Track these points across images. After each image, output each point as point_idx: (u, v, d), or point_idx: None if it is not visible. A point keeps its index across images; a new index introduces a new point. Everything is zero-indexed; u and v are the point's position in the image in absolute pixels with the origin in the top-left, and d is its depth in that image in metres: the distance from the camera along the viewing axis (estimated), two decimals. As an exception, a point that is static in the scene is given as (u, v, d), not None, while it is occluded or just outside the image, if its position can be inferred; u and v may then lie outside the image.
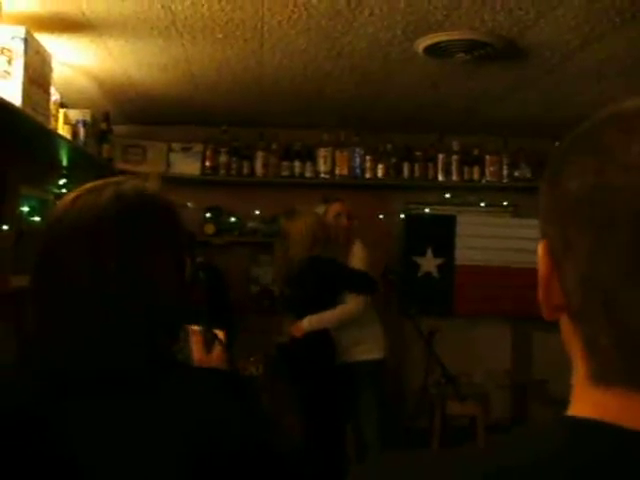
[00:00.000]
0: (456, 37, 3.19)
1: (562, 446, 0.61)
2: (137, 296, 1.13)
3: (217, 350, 1.42)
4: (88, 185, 1.20)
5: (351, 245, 4.31)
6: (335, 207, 4.32)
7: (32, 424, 1.07)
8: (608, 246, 0.61)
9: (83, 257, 1.11)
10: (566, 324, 0.68)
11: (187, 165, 5.15)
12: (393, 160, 5.28)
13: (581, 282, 0.64)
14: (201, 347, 1.40)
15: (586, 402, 0.65)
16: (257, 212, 5.35)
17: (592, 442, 0.60)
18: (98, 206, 1.14)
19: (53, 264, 1.14)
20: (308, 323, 4.05)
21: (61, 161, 4.11)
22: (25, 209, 4.02)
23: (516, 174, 5.37)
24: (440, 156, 5.31)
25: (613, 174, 0.61)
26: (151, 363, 1.12)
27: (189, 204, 4.92)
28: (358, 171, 5.25)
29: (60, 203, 1.19)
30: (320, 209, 4.33)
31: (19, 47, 2.94)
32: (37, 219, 4.16)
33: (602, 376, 0.63)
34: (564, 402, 0.69)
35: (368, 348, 4.25)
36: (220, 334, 1.45)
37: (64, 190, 4.40)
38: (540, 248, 0.70)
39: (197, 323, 1.41)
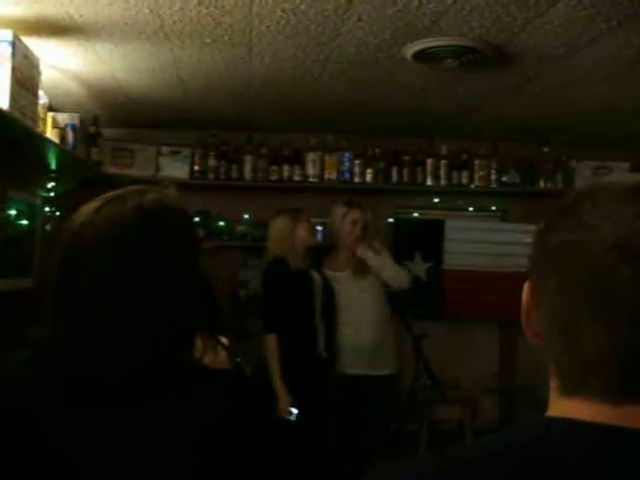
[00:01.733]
0: (444, 43, 3.21)
1: (533, 433, 0.80)
2: (158, 305, 1.15)
3: (222, 354, 1.46)
4: (110, 194, 1.22)
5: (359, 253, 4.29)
6: (354, 214, 4.26)
7: (44, 427, 1.08)
8: (570, 288, 0.80)
9: (106, 266, 1.13)
10: (543, 348, 0.86)
11: (176, 169, 5.14)
12: (382, 164, 5.29)
13: (549, 315, 0.83)
14: (210, 351, 1.44)
15: (555, 408, 0.84)
16: (246, 216, 5.35)
17: (555, 430, 0.79)
18: (121, 216, 1.16)
19: (75, 272, 1.16)
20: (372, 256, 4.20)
21: (49, 165, 4.11)
22: (13, 212, 4.02)
23: (504, 179, 5.38)
24: (429, 161, 5.31)
25: (579, 232, 0.80)
26: (173, 367, 1.14)
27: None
28: (347, 175, 5.25)
29: (82, 211, 1.20)
30: (339, 211, 4.29)
31: (6, 51, 2.94)
32: (25, 222, 4.15)
33: (565, 389, 0.82)
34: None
35: (383, 362, 4.24)
36: (223, 340, 1.49)
37: (52, 194, 4.39)
38: (525, 286, 0.90)
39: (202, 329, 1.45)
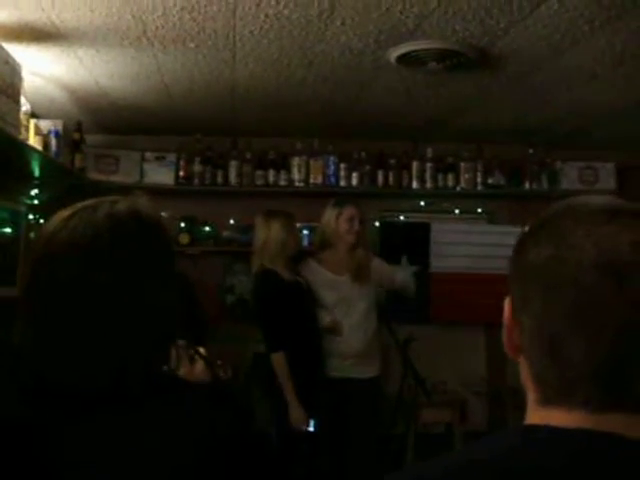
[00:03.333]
0: (428, 46, 3.21)
1: (514, 441, 0.83)
2: (128, 313, 1.13)
3: (199, 364, 1.45)
4: (81, 204, 1.21)
5: (361, 251, 4.28)
6: (349, 211, 4.23)
7: (18, 438, 1.07)
8: (554, 304, 0.83)
9: (76, 273, 1.12)
10: (522, 362, 0.90)
11: (161, 175, 5.12)
12: (367, 168, 5.28)
13: (533, 330, 0.86)
14: (186, 362, 1.42)
15: (534, 417, 0.87)
16: (232, 221, 5.33)
17: (536, 436, 0.82)
18: (92, 224, 1.15)
19: (46, 279, 1.14)
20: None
21: (33, 172, 4.08)
22: (-4, 220, 3.99)
23: (490, 181, 5.38)
24: (414, 164, 5.31)
25: (562, 250, 0.83)
26: (143, 380, 1.12)
27: (163, 214, 4.89)
28: (332, 179, 5.24)
29: (54, 219, 1.19)
30: (331, 212, 4.25)
31: (-13, 57, 2.92)
32: (8, 230, 4.12)
33: (546, 400, 0.85)
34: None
35: (370, 363, 4.24)
36: (201, 349, 1.48)
37: (36, 201, 4.37)
38: (506, 301, 0.92)
39: (180, 338, 1.43)
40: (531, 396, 0.88)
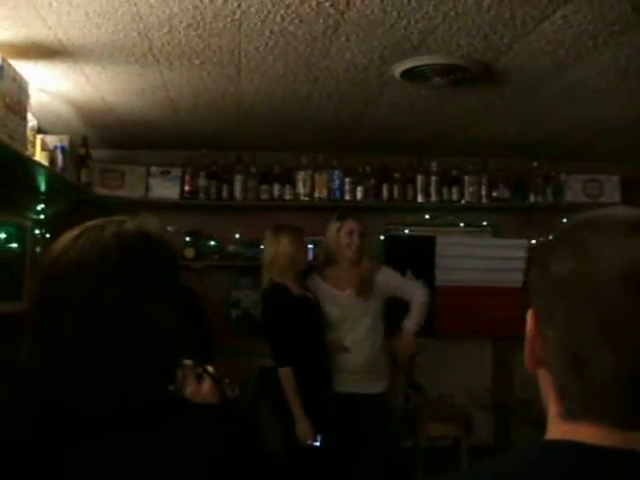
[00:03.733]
0: (432, 61, 3.22)
1: (537, 456, 0.83)
2: (134, 332, 1.13)
3: (207, 383, 1.45)
4: (89, 223, 1.21)
5: (365, 266, 4.25)
6: (349, 225, 4.22)
7: (20, 459, 1.06)
8: (580, 317, 0.81)
9: (83, 292, 1.12)
10: (543, 375, 0.90)
11: (166, 189, 5.13)
12: (372, 182, 5.29)
13: (558, 343, 0.85)
14: (193, 381, 1.42)
15: (556, 432, 0.86)
16: (237, 236, 5.34)
17: (559, 452, 0.82)
18: (100, 243, 1.16)
19: (53, 298, 1.14)
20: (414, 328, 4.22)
21: (39, 187, 4.10)
22: (3, 235, 4.00)
23: (495, 194, 5.39)
24: (419, 177, 5.32)
25: (587, 263, 0.82)
26: (146, 402, 1.12)
27: (169, 228, 4.90)
28: (337, 193, 5.26)
29: (62, 238, 1.20)
30: (333, 226, 4.24)
31: (-5, 74, 2.94)
32: (14, 245, 4.13)
33: (569, 415, 0.84)
34: (547, 422, 0.90)
35: (377, 378, 4.24)
36: (209, 368, 1.48)
37: (42, 216, 4.38)
38: (528, 315, 0.91)
39: (188, 357, 1.43)
40: (553, 409, 0.87)
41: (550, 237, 0.92)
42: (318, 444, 3.84)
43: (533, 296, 0.90)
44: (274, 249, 4.06)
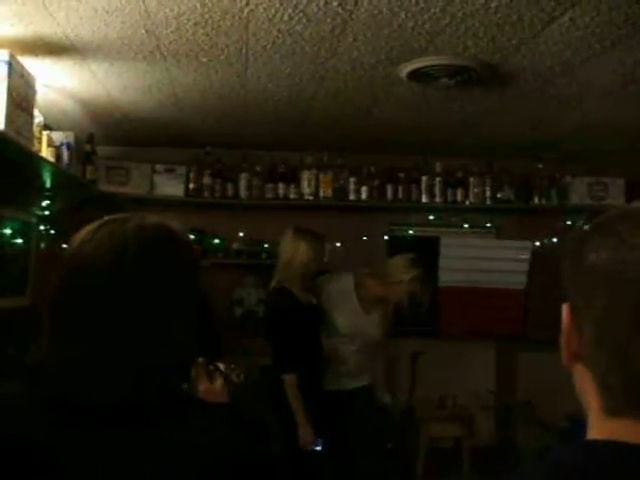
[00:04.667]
0: (439, 62, 3.22)
1: (583, 458, 0.80)
2: (152, 327, 1.13)
3: (219, 382, 1.45)
4: (111, 216, 1.22)
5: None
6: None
7: (36, 451, 1.07)
8: (619, 306, 0.80)
9: (102, 285, 1.12)
10: (580, 370, 0.87)
11: (171, 187, 5.14)
12: (377, 182, 5.29)
13: (596, 334, 0.83)
14: (205, 379, 1.43)
15: (601, 430, 0.83)
16: (241, 234, 5.34)
17: (604, 454, 0.79)
18: (121, 234, 1.16)
19: (72, 291, 1.15)
20: None
21: (44, 183, 4.10)
22: (7, 231, 4.01)
23: (499, 196, 5.39)
24: (424, 178, 5.32)
25: (623, 251, 0.81)
26: (161, 397, 1.12)
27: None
28: (342, 193, 5.26)
29: (82, 231, 1.19)
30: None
31: (3, 70, 2.95)
32: (19, 241, 4.14)
33: (613, 410, 0.82)
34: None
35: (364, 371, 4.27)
36: (221, 366, 1.48)
37: (47, 212, 4.39)
38: (565, 307, 0.89)
39: (200, 354, 1.43)
40: (594, 405, 0.85)
41: (584, 229, 0.91)
42: (319, 448, 3.85)
43: (569, 289, 0.89)
44: (290, 253, 4.01)
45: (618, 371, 0.80)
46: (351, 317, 4.14)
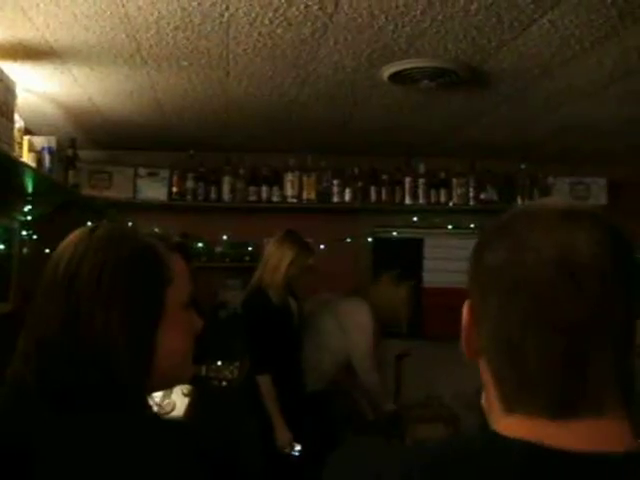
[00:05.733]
0: (420, 64, 3.23)
1: (471, 448, 0.84)
2: (105, 328, 1.16)
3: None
4: (87, 225, 1.28)
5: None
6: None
7: (16, 447, 1.08)
8: (512, 304, 0.83)
9: (63, 285, 1.18)
10: (482, 365, 0.92)
11: (154, 190, 5.12)
12: (360, 184, 5.30)
13: (492, 332, 0.87)
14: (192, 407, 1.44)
15: (498, 425, 0.87)
16: (225, 237, 5.33)
17: (498, 448, 0.81)
18: (85, 238, 1.23)
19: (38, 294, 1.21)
20: None
21: (26, 188, 4.08)
22: (-11, 237, 3.99)
23: (483, 197, 5.40)
24: (407, 179, 5.33)
25: (518, 252, 0.84)
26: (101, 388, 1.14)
27: (156, 230, 4.89)
28: (325, 195, 5.26)
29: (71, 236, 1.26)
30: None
31: (-18, 76, 2.93)
32: (1, 246, 4.12)
33: (507, 405, 0.85)
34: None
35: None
36: (185, 389, 1.48)
37: (29, 217, 4.37)
38: (465, 305, 0.94)
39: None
40: (492, 400, 0.90)
41: (487, 228, 0.95)
42: (297, 454, 3.84)
43: (469, 287, 0.93)
44: (275, 257, 4.06)
45: (510, 369, 0.85)
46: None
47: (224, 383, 3.53)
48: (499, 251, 0.87)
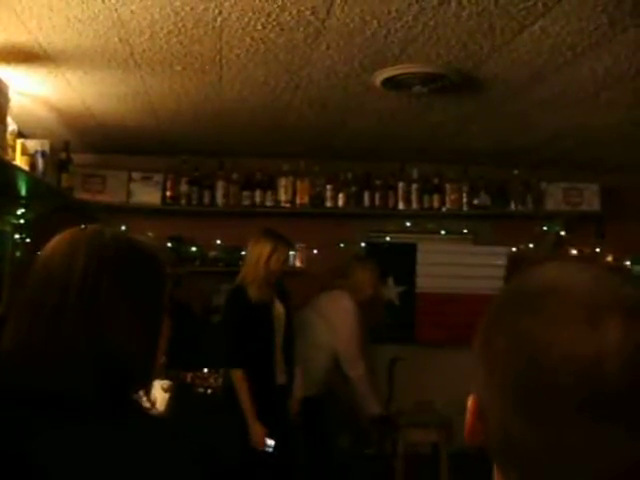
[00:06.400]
0: (413, 70, 3.24)
1: None
2: (87, 336, 1.14)
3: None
4: (76, 227, 1.26)
5: None
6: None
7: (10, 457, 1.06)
8: (499, 398, 0.75)
9: (57, 288, 1.16)
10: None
11: (147, 195, 5.12)
12: (353, 189, 5.31)
13: (497, 426, 0.76)
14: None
15: None
16: (218, 241, 5.33)
17: None
18: (75, 243, 1.21)
19: (24, 293, 1.20)
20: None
21: (19, 191, 4.07)
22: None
23: (476, 202, 5.42)
24: (400, 185, 5.34)
25: (521, 342, 0.73)
26: (100, 398, 1.12)
27: (150, 234, 4.89)
28: (319, 200, 5.26)
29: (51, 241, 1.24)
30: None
31: (-26, 79, 2.93)
32: (-6, 250, 4.12)
33: None
34: None
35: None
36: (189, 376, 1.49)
37: (22, 220, 4.36)
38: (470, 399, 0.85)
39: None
40: None
41: (486, 319, 0.84)
42: (271, 450, 3.84)
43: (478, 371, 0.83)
44: (253, 253, 4.13)
45: (513, 463, 0.77)
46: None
47: (209, 391, 3.52)
48: (504, 336, 0.78)
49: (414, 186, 5.35)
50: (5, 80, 3.27)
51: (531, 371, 0.72)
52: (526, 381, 0.72)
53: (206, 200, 5.19)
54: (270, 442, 3.84)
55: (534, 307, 0.75)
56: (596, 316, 0.69)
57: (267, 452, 3.83)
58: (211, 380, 3.55)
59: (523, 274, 0.82)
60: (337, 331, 4.40)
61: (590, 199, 5.51)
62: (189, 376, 3.52)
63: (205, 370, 3.57)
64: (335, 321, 4.42)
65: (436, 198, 5.38)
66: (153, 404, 1.42)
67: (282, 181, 5.22)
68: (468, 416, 0.84)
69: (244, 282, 4.10)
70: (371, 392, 4.46)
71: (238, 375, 3.89)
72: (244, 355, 3.93)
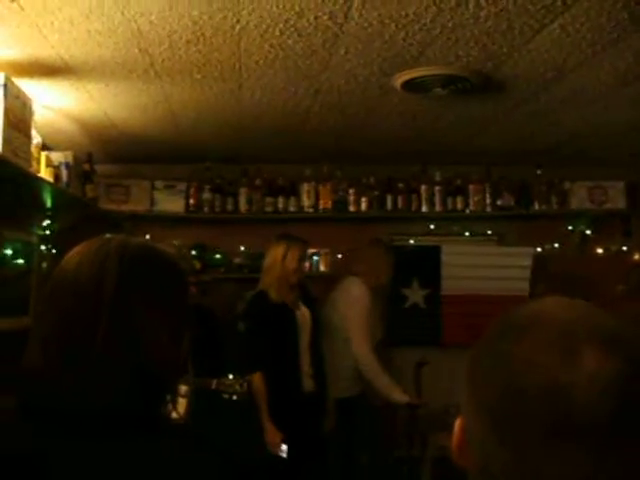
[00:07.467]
0: (432, 72, 3.24)
1: None
2: (122, 349, 1.14)
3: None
4: (99, 236, 1.26)
5: None
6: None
7: (30, 465, 1.07)
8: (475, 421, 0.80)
9: (82, 301, 1.15)
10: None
11: (171, 203, 5.16)
12: (376, 192, 5.30)
13: (477, 446, 0.81)
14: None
15: None
16: (242, 248, 5.35)
17: None
18: (103, 255, 1.19)
19: (54, 305, 1.19)
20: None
21: (44, 203, 4.12)
22: (9, 252, 4.02)
23: (499, 203, 5.39)
24: (423, 187, 5.33)
25: (508, 375, 0.76)
26: (136, 412, 1.13)
27: (174, 242, 4.91)
28: (342, 204, 5.27)
29: (72, 251, 1.23)
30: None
31: (-1, 93, 2.97)
32: (21, 261, 4.16)
33: None
34: None
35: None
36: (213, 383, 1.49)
37: (48, 231, 4.41)
38: (457, 424, 0.87)
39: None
40: None
41: (475, 345, 0.87)
42: (285, 455, 3.85)
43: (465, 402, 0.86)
44: (271, 257, 4.19)
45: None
46: None
47: (234, 397, 3.54)
48: (488, 369, 0.82)
49: (437, 188, 5.34)
50: (29, 94, 3.31)
51: (507, 394, 0.75)
52: (502, 403, 0.75)
53: (229, 207, 5.21)
54: (284, 447, 3.86)
55: (517, 336, 0.79)
56: (573, 347, 0.73)
57: (289, 461, 3.85)
58: (236, 386, 3.56)
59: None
60: (349, 316, 4.37)
61: (615, 197, 5.46)
62: (214, 383, 3.53)
63: (230, 376, 3.58)
64: (345, 311, 4.40)
65: (459, 200, 5.36)
66: (180, 415, 1.43)
67: (304, 186, 5.23)
68: (455, 435, 0.87)
69: (264, 286, 4.14)
70: (390, 382, 4.39)
71: (257, 378, 3.92)
72: (267, 358, 3.95)
